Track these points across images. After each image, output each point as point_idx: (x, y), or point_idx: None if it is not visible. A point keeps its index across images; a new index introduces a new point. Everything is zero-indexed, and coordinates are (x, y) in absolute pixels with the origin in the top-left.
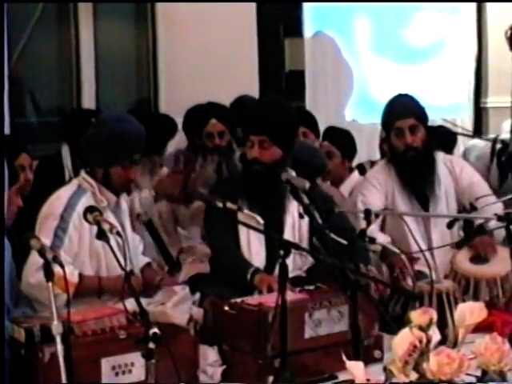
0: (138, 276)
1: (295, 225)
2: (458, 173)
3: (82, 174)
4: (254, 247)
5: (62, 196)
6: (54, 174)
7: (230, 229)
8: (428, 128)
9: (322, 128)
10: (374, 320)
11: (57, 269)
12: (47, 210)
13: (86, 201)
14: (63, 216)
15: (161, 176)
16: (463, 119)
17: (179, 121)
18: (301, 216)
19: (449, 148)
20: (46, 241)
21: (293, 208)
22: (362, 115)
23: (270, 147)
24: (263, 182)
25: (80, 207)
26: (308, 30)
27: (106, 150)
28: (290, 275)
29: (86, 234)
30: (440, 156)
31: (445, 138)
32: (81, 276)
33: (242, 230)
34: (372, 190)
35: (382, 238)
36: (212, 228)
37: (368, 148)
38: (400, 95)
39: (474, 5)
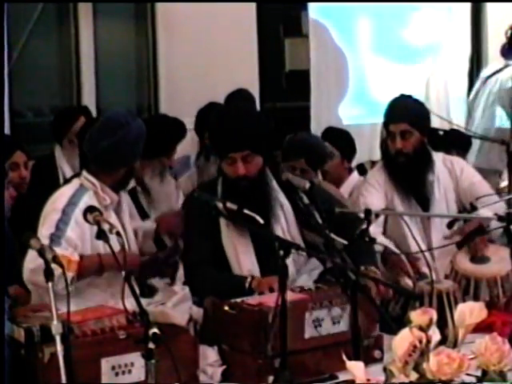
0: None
1: (285, 231)
2: (459, 174)
3: (84, 173)
4: (244, 263)
5: (64, 193)
6: (47, 174)
7: (212, 239)
8: (425, 133)
9: (323, 128)
10: (375, 320)
11: (60, 248)
12: (50, 207)
13: (88, 199)
14: (65, 210)
15: (165, 213)
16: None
17: (188, 121)
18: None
19: (464, 151)
20: (47, 232)
21: (280, 214)
22: (362, 115)
23: (253, 159)
24: (251, 195)
25: (82, 205)
26: (311, 30)
27: (108, 158)
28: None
29: (87, 232)
30: (440, 157)
31: (459, 141)
32: (81, 256)
33: (227, 236)
34: (372, 191)
35: (384, 242)
36: (194, 245)
37: (369, 148)
38: (402, 96)
39: (468, 4)
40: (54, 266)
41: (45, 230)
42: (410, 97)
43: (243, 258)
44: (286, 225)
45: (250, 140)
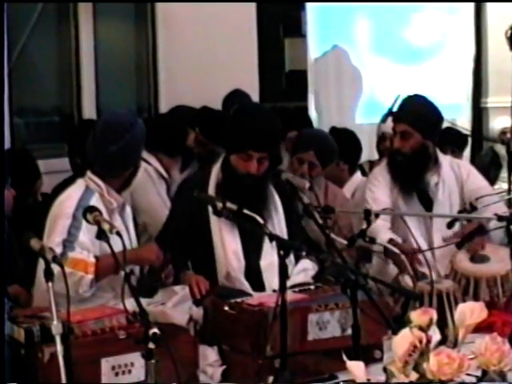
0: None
1: (275, 225)
2: (465, 178)
3: (89, 174)
4: (229, 246)
5: (72, 196)
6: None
7: (197, 225)
8: (428, 135)
9: (325, 129)
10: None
11: (74, 252)
12: (58, 210)
13: (95, 202)
14: (75, 215)
15: None
16: (459, 119)
17: None
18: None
19: (460, 148)
20: (60, 238)
21: (274, 213)
22: (362, 115)
23: (265, 161)
24: (252, 193)
25: None
26: (310, 31)
27: (117, 162)
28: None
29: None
30: (447, 160)
31: (455, 139)
32: (96, 257)
33: (215, 230)
34: (379, 186)
35: (388, 235)
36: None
37: (369, 148)
38: (412, 96)
39: (472, 4)
40: (72, 270)
41: (57, 237)
42: (422, 97)
43: (228, 239)
44: (276, 220)
45: (273, 144)
